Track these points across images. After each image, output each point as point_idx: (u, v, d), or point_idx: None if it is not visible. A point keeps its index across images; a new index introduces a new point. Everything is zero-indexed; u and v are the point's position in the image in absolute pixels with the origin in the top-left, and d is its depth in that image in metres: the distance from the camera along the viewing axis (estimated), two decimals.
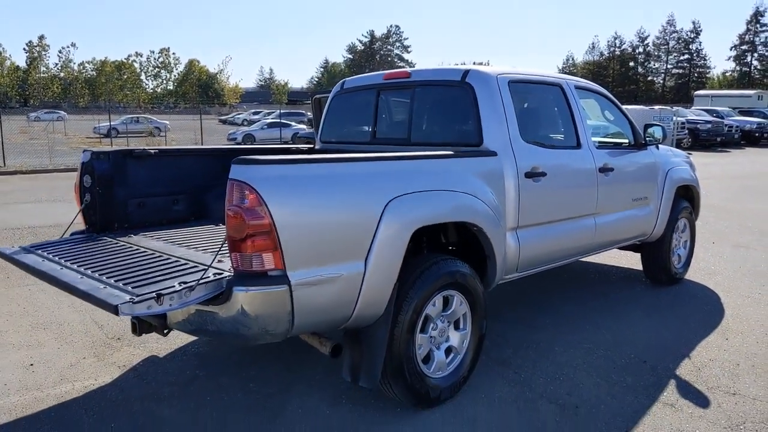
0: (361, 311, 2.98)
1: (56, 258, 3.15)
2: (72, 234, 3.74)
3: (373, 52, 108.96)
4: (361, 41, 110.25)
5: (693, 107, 35.21)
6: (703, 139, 26.64)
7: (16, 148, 22.56)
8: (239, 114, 58.94)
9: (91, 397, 3.56)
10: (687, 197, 5.96)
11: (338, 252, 2.87)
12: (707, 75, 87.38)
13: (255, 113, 55.54)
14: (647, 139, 5.18)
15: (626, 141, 5.23)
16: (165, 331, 3.26)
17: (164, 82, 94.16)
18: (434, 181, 3.33)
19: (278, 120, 33.73)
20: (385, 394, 3.37)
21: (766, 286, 5.89)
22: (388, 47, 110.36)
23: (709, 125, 26.94)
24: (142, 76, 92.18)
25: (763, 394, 3.63)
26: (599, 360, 4.11)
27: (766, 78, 79.97)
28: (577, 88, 4.71)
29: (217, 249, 2.76)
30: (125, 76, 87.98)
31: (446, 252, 3.86)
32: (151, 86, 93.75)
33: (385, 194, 3.04)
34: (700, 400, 3.57)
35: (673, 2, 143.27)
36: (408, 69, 4.47)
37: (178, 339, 4.43)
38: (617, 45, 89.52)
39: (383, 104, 4.58)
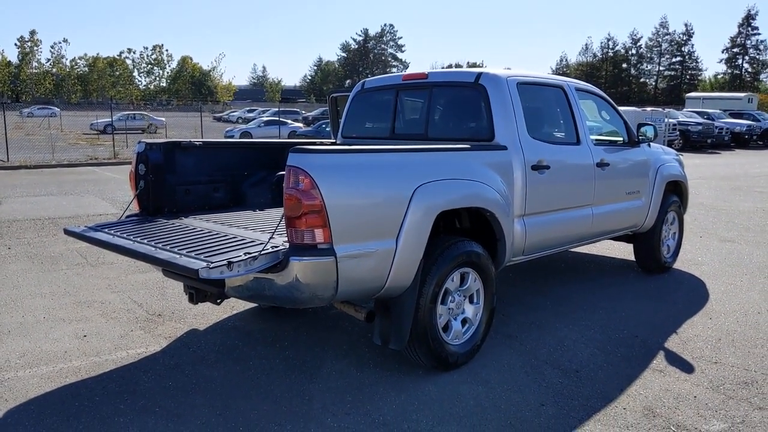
0: (392, 283, 3.44)
1: (124, 235, 3.59)
2: (127, 217, 4.17)
3: (366, 51, 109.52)
4: (354, 40, 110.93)
5: (684, 109, 35.91)
6: (694, 141, 27.27)
7: (15, 144, 22.79)
8: (233, 112, 59.35)
9: (147, 362, 3.99)
10: (676, 192, 6.45)
11: (375, 230, 3.33)
12: (699, 77, 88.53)
13: (249, 111, 55.98)
14: (640, 137, 5.66)
15: (621, 139, 5.71)
16: (219, 300, 3.71)
17: (157, 78, 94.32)
18: (454, 171, 3.79)
19: (275, 118, 34.16)
20: (408, 359, 3.83)
21: (748, 275, 6.39)
22: (382, 46, 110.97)
23: (700, 127, 27.58)
24: (135, 73, 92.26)
25: (741, 362, 4.11)
26: (596, 335, 4.58)
27: (756, 81, 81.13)
28: (577, 89, 5.19)
29: (275, 226, 3.20)
30: (117, 73, 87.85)
31: (460, 235, 4.32)
32: (144, 83, 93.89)
33: (413, 181, 3.50)
34: (685, 367, 4.04)
35: (666, 4, 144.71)
36: (425, 71, 4.93)
37: (214, 315, 4.87)
38: (610, 46, 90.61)
39: (401, 103, 5.04)
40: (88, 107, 66.10)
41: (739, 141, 30.39)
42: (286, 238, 3.21)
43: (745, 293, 5.72)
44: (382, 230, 3.37)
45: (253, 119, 42.03)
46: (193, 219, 4.10)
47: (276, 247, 3.16)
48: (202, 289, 3.61)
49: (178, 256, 3.07)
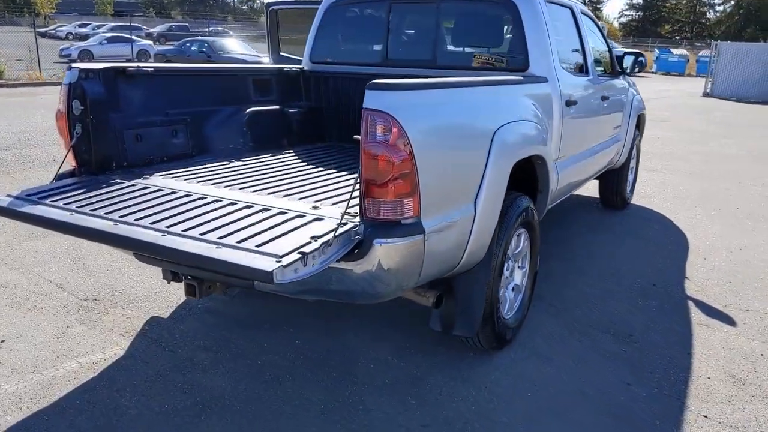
0: (467, 258, 2.71)
1: (86, 208, 2.43)
2: (59, 178, 2.92)
3: None
4: None
5: None
6: None
7: None
8: (61, 26, 51.59)
9: (113, 374, 2.93)
10: (637, 125, 6.24)
11: (456, 194, 2.55)
12: None
13: (81, 26, 48.93)
14: (625, 67, 5.25)
15: (603, 68, 5.27)
16: (227, 290, 2.74)
17: None
18: (516, 109, 3.06)
19: (120, 34, 30.02)
20: (450, 341, 3.18)
21: (696, 207, 6.47)
22: None
23: None
24: None
25: (766, 307, 3.99)
26: (612, 286, 4.24)
27: (597, 11, 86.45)
28: (582, 12, 4.58)
29: (349, 195, 2.28)
30: None
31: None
32: None
33: (492, 123, 2.73)
34: (724, 318, 3.82)
35: None
36: None
37: (168, 294, 3.80)
38: None
39: (396, 20, 4.09)
40: None
41: None
42: (342, 210, 2.33)
43: (709, 227, 5.74)
44: (463, 192, 2.60)
45: (88, 35, 36.81)
46: (162, 177, 2.98)
47: (342, 224, 2.26)
48: (212, 279, 2.61)
49: (213, 246, 2.06)
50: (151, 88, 3.27)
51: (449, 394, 2.87)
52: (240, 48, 20.44)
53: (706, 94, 22.07)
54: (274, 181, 3.00)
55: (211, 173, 3.12)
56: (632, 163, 6.19)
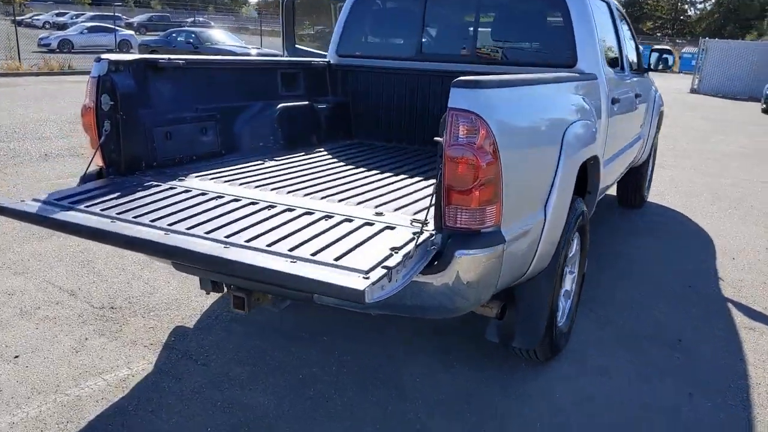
0: (534, 266, 2.53)
1: (128, 215, 2.19)
2: (85, 180, 2.67)
3: None
4: None
5: None
6: None
7: None
8: (38, 15, 50.23)
9: (145, 393, 2.70)
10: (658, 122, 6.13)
11: (530, 199, 2.37)
12: None
13: (59, 14, 47.69)
14: (656, 65, 5.11)
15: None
16: (277, 303, 2.52)
17: None
18: (579, 108, 2.89)
19: (101, 24, 29.22)
20: (495, 351, 3.01)
21: (712, 205, 6.39)
22: None
23: None
24: None
25: None
26: (648, 288, 4.10)
27: None
28: (616, 7, 4.42)
29: (430, 202, 2.08)
30: None
31: None
32: None
33: (563, 123, 2.55)
34: (767, 321, 3.71)
35: None
36: None
37: (190, 300, 3.56)
38: None
39: (432, 12, 3.88)
40: None
41: None
42: (410, 216, 2.13)
43: (729, 226, 5.65)
44: (536, 197, 2.42)
45: (66, 24, 35.84)
46: (199, 179, 2.75)
47: (418, 234, 2.06)
48: (263, 291, 2.39)
49: (286, 260, 1.84)
50: (181, 83, 3.03)
51: (508, 411, 2.69)
52: (228, 39, 20.00)
53: (693, 91, 22.22)
54: (322, 184, 2.78)
55: (249, 174, 2.89)
56: (650, 161, 6.08)
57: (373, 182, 2.89)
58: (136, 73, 2.75)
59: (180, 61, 2.99)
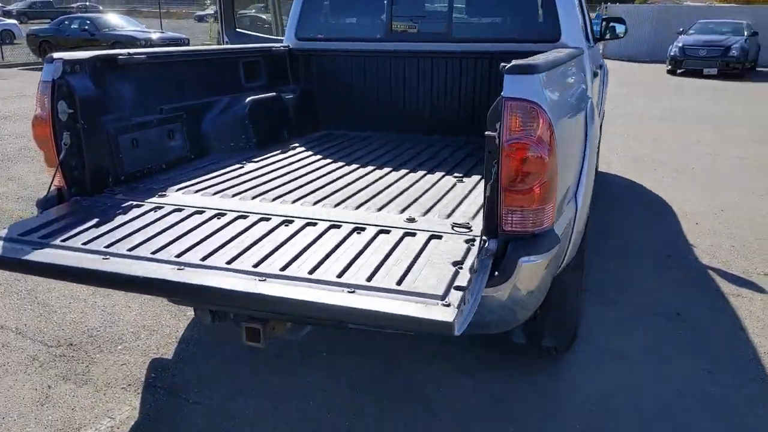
0: (567, 259, 2.35)
1: (125, 249, 1.80)
2: (44, 205, 2.21)
3: None
4: None
5: None
6: None
7: None
8: None
9: None
10: None
11: (569, 188, 2.18)
12: None
13: None
14: (606, 34, 5.06)
15: None
16: (296, 332, 2.19)
17: None
18: (585, 84, 2.72)
19: None
20: (506, 348, 2.85)
21: (656, 169, 6.55)
22: None
23: None
24: None
25: None
26: (633, 261, 4.09)
27: None
28: None
29: (481, 205, 1.83)
30: None
31: None
32: None
33: (582, 100, 2.38)
34: (750, 285, 3.77)
35: None
36: None
37: (156, 329, 3.16)
38: None
39: None
40: None
41: None
42: (456, 221, 1.89)
43: (680, 190, 5.79)
44: (572, 185, 2.23)
45: None
46: (182, 193, 2.36)
47: (471, 242, 1.82)
48: (281, 318, 2.06)
49: (342, 290, 1.54)
50: (143, 81, 2.60)
51: (543, 412, 2.53)
52: (127, 24, 18.54)
53: None
54: (324, 188, 2.47)
55: (235, 183, 2.52)
56: (600, 131, 6.11)
57: (377, 181, 2.61)
58: (94, 73, 2.31)
59: (141, 56, 2.55)
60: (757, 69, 17.93)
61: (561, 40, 3.26)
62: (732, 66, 15.75)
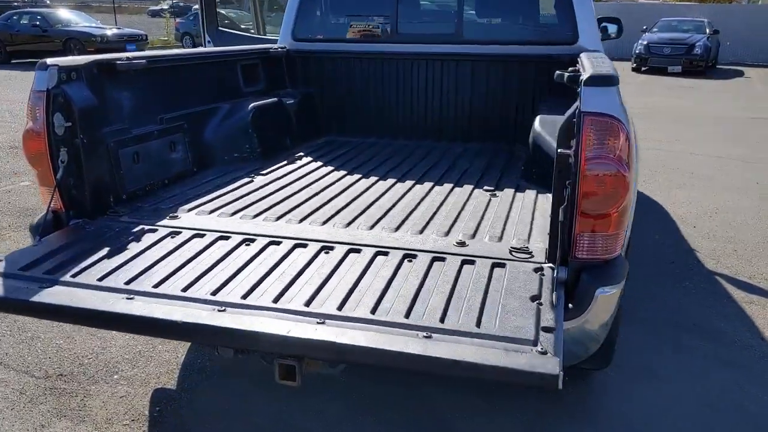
0: None
1: (149, 286, 1.57)
2: (42, 231, 1.95)
3: None
4: None
5: None
6: None
7: None
8: None
9: None
10: None
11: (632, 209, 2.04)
12: None
13: None
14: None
15: None
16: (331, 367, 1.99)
17: None
18: None
19: None
20: None
21: (645, 169, 6.53)
22: None
23: None
24: None
25: None
26: (635, 269, 4.01)
27: None
28: None
29: (549, 230, 1.66)
30: None
31: None
32: None
33: (626, 108, 2.23)
34: (758, 291, 3.74)
35: None
36: None
37: (148, 359, 2.91)
38: None
39: None
40: None
41: None
42: (515, 246, 1.72)
43: (670, 191, 5.78)
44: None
45: None
46: (196, 214, 2.13)
47: (542, 271, 1.66)
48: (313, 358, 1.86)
49: (423, 336, 1.35)
50: (142, 87, 2.35)
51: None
52: (81, 20, 17.77)
53: None
54: (351, 205, 2.27)
55: (251, 201, 2.30)
56: None
57: (404, 196, 2.43)
58: (91, 80, 2.05)
59: (141, 61, 2.29)
60: (717, 66, 18.38)
61: (579, 42, 3.13)
62: (695, 63, 16.09)
